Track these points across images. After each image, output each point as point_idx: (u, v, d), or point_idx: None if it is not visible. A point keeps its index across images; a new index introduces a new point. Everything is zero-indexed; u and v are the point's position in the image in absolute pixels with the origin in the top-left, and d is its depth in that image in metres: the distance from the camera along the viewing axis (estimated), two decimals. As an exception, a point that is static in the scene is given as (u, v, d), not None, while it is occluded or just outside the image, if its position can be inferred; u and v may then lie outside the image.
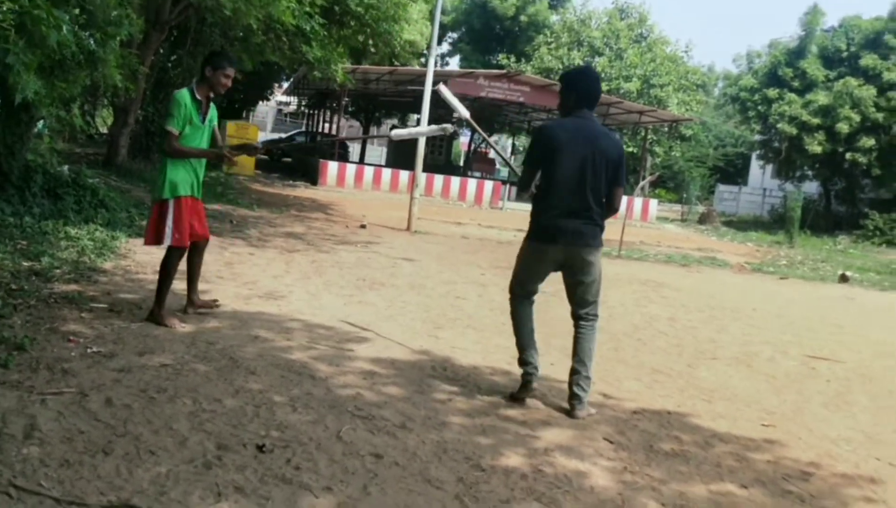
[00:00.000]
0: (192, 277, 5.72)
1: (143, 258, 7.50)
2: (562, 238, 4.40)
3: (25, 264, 6.42)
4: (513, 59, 36.05)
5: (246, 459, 3.29)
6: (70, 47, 6.79)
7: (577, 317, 4.59)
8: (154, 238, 5.33)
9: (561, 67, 33.12)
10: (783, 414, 5.04)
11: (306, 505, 2.96)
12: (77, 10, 8.00)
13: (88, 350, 4.48)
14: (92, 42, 7.88)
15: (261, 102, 40.55)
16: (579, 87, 4.52)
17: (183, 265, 5.56)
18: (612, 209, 4.50)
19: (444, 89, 5.52)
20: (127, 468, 3.06)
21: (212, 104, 5.49)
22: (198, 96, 5.31)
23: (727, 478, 3.77)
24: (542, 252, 4.52)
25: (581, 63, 33.32)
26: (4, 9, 6.21)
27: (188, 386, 4.10)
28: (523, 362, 4.60)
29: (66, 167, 10.19)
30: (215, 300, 6.00)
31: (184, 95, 5.26)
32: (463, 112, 5.55)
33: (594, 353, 4.55)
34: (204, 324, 5.48)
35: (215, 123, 5.60)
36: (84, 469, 3.01)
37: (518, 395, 4.57)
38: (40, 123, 9.78)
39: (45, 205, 8.75)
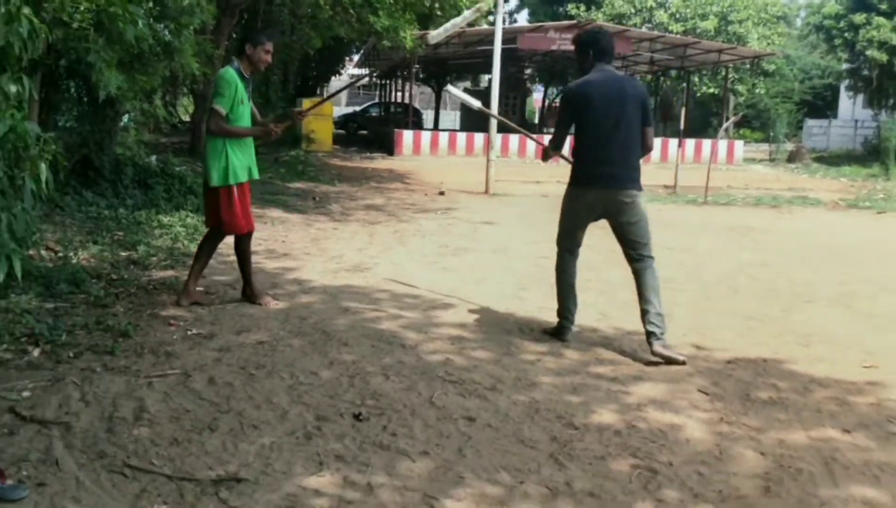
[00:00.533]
0: (245, 266, 5.51)
1: (232, 241, 7.72)
2: (599, 183, 4.67)
3: (123, 253, 6.70)
4: (582, 7, 35.19)
5: (344, 428, 3.39)
6: (147, 40, 7.01)
7: (631, 260, 4.77)
8: (228, 226, 5.31)
9: (633, 10, 32.24)
10: (885, 354, 4.86)
11: (404, 470, 3.04)
12: (151, 4, 8.22)
13: (188, 333, 4.68)
14: (167, 33, 8.11)
15: (333, 77, 40.87)
16: (595, 45, 4.74)
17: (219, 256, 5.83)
18: (646, 149, 4.72)
19: (452, 90, 6.44)
20: (232, 442, 3.20)
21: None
22: (245, 74, 5.27)
23: (828, 423, 3.68)
24: (581, 197, 4.80)
25: (654, 4, 32.33)
26: (82, 9, 6.44)
27: (285, 361, 4.23)
28: (562, 313, 4.97)
29: (153, 158, 10.55)
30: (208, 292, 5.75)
31: (231, 73, 5.18)
32: (474, 103, 5.92)
33: (659, 289, 4.67)
34: (296, 300, 5.64)
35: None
36: (192, 446, 3.16)
37: (554, 334, 4.96)
38: (126, 117, 10.13)
39: (136, 196, 9.10)
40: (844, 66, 34.39)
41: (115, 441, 3.16)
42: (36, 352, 4.17)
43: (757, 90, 34.33)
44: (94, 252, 6.59)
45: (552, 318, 5.42)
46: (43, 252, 6.27)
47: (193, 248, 7.25)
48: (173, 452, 3.10)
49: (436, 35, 5.80)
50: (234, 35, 17.64)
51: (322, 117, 25.34)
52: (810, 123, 40.83)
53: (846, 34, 30.78)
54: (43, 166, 3.88)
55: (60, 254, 6.29)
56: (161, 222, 8.17)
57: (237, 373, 4.02)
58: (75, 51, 6.87)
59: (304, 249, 7.76)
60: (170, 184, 9.71)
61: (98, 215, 8.06)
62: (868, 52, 29.15)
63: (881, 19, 29.00)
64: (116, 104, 8.36)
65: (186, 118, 25.02)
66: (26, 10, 3.67)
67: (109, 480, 2.86)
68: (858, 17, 29.99)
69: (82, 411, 3.44)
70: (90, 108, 8.67)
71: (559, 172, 20.40)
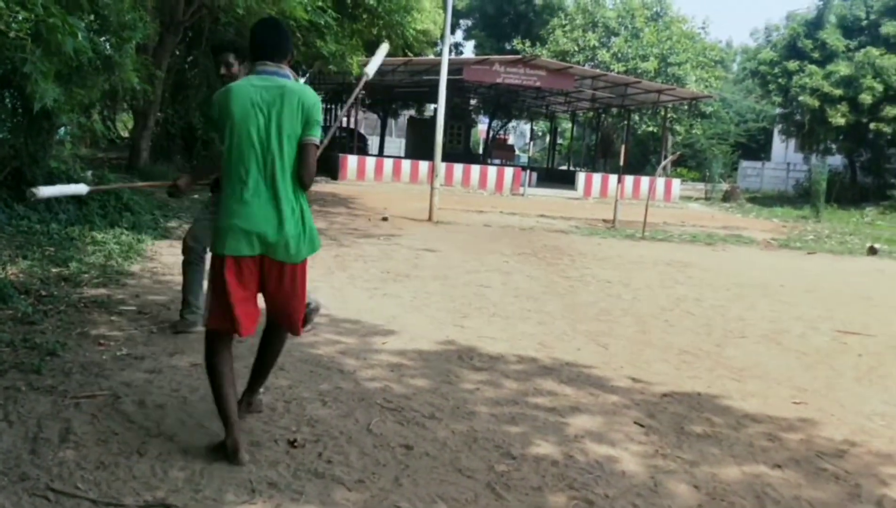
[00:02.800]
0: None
1: (170, 260, 7.56)
2: None
3: (54, 270, 6.50)
4: (528, 43, 35.80)
5: (278, 454, 3.32)
6: (87, 53, 6.85)
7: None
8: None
9: (576, 49, 32.89)
10: (815, 391, 4.99)
11: (340, 499, 2.98)
12: (91, 16, 8.06)
13: (119, 353, 4.54)
14: (108, 47, 7.95)
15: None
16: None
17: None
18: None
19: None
20: (162, 467, 3.10)
21: None
22: None
23: (760, 459, 3.75)
24: None
25: (597, 44, 33.04)
26: (20, 18, 6.28)
27: (218, 385, 4.13)
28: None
29: (89, 173, 10.30)
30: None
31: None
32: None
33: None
34: (231, 323, 5.52)
35: None
36: (120, 470, 3.05)
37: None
38: (62, 130, 9.88)
39: (70, 211, 8.84)
40: (778, 110, 35.63)
41: (39, 464, 3.03)
42: (-44, 369, 3.99)
43: (694, 131, 35.27)
44: (23, 267, 6.37)
45: (492, 347, 5.44)
46: (-32, 266, 6.04)
47: (127, 266, 7.08)
48: (100, 476, 2.98)
49: (371, 68, 4.81)
50: (177, 52, 17.45)
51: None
52: (745, 164, 42.14)
53: (780, 80, 31.95)
54: (-28, 177, 3.75)
55: (-13, 268, 6.06)
56: (95, 239, 7.96)
57: (169, 396, 3.91)
58: (11, 61, 6.69)
59: (243, 271, 7.63)
60: (105, 200, 9.47)
61: (29, 230, 7.81)
62: (801, 98, 30.26)
63: (813, 67, 30.19)
64: (52, 117, 8.14)
65: (125, 134, 24.54)
66: (-39, 17, 3.56)
67: (31, 504, 2.74)
68: (792, 65, 31.18)
69: (5, 431, 3.30)
70: (25, 119, 8.43)
71: (502, 203, 20.62)
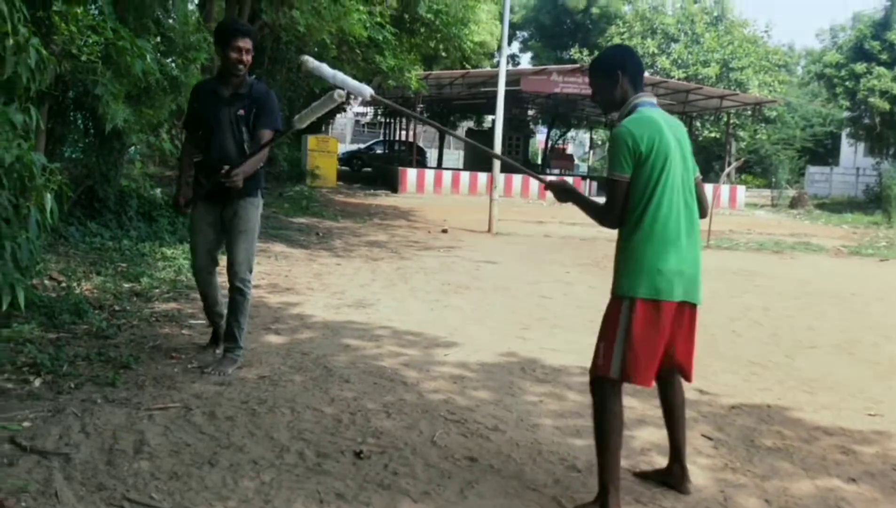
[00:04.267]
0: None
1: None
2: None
3: (126, 285, 6.70)
4: (585, 52, 35.62)
5: (345, 466, 3.36)
6: (154, 74, 7.08)
7: None
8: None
9: (636, 57, 32.52)
10: (890, 403, 4.83)
11: (406, 511, 3.00)
12: (158, 38, 8.32)
13: (190, 366, 4.66)
14: (174, 68, 8.19)
15: (339, 115, 41.22)
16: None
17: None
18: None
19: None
20: (232, 478, 3.17)
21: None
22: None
23: (833, 472, 3.65)
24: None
25: (656, 51, 32.68)
26: (91, 42, 6.52)
27: (286, 397, 4.21)
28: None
29: (158, 190, 10.60)
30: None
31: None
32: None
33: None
34: (297, 335, 5.62)
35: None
36: (192, 480, 3.13)
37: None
38: (132, 150, 10.20)
39: (141, 228, 9.12)
40: (846, 114, 34.66)
41: (115, 474, 3.13)
42: (37, 382, 4.15)
43: (759, 136, 34.54)
44: (97, 283, 6.58)
45: (555, 358, 5.41)
46: (46, 282, 6.27)
47: (196, 281, 7.24)
48: (173, 486, 3.07)
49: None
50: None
51: (327, 154, 25.52)
52: (812, 169, 41.04)
53: (847, 83, 31.08)
54: (48, 197, 3.90)
55: (64, 284, 6.29)
56: (164, 255, 8.18)
57: (238, 408, 4.00)
58: (83, 83, 6.94)
59: (307, 284, 7.76)
60: (174, 217, 9.73)
61: (102, 246, 8.07)
62: (870, 101, 29.41)
63: (882, 69, 29.32)
64: (123, 137, 8.42)
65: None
66: (35, 42, 3.72)
67: (107, 514, 2.83)
68: (859, 67, 30.31)
69: (82, 442, 3.41)
70: (96, 140, 8.72)
71: (562, 213, 20.49)
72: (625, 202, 3.07)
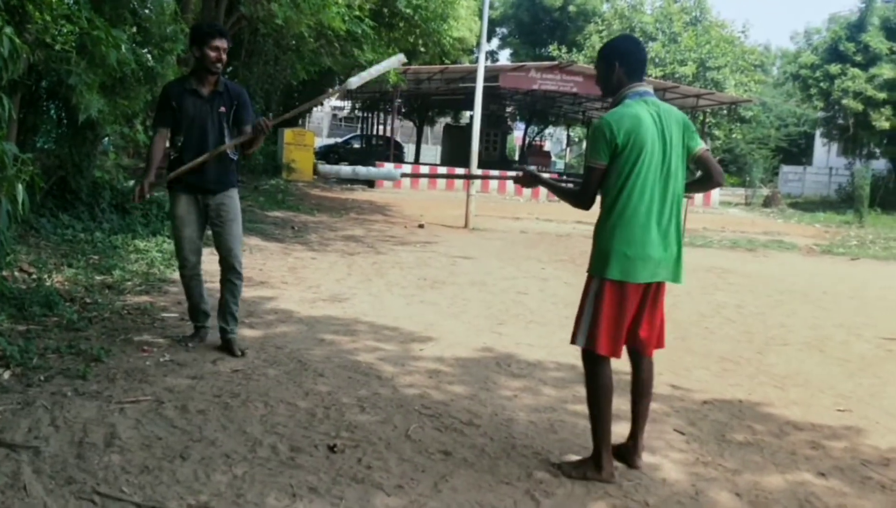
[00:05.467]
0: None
1: (211, 268, 7.67)
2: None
3: (98, 277, 6.62)
4: (564, 49, 35.72)
5: (318, 460, 3.35)
6: (129, 65, 6.99)
7: None
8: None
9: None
10: (859, 399, 4.90)
11: (379, 504, 3.00)
12: (134, 28, 8.23)
13: (162, 359, 4.62)
14: (150, 58, 8.10)
15: (315, 108, 41.03)
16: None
17: None
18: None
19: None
20: (204, 472, 3.15)
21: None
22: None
23: (803, 467, 3.69)
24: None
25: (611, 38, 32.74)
26: (65, 31, 6.43)
27: (259, 390, 4.18)
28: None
29: (132, 182, 10.48)
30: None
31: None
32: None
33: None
34: (271, 329, 5.59)
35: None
36: (163, 474, 3.10)
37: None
38: (105, 141, 10.08)
39: (113, 220, 9.01)
40: (820, 114, 35.05)
41: (85, 468, 3.10)
42: (6, 375, 4.09)
43: (734, 135, 34.86)
44: (68, 275, 6.51)
45: (530, 354, 5.43)
46: (17, 274, 6.19)
47: (169, 274, 7.18)
48: (144, 480, 3.04)
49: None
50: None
51: (303, 148, 25.40)
52: (785, 169, 41.49)
53: (822, 84, 31.41)
54: (20, 187, 3.85)
55: (34, 276, 6.21)
56: (137, 247, 8.10)
57: (211, 401, 3.97)
58: (56, 73, 6.84)
59: (282, 278, 7.72)
60: (147, 209, 9.64)
61: (74, 238, 7.98)
62: (843, 102, 29.74)
63: (856, 70, 29.66)
64: (96, 127, 8.31)
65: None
66: (8, 31, 3.66)
67: (78, 507, 2.80)
68: (834, 68, 30.65)
69: (52, 435, 3.37)
70: (69, 130, 8.61)
71: (538, 209, 20.56)
72: (598, 187, 3.34)
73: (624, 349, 3.43)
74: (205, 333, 5.09)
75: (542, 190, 25.71)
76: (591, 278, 3.37)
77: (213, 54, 4.66)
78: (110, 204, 9.27)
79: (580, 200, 3.42)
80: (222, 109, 4.79)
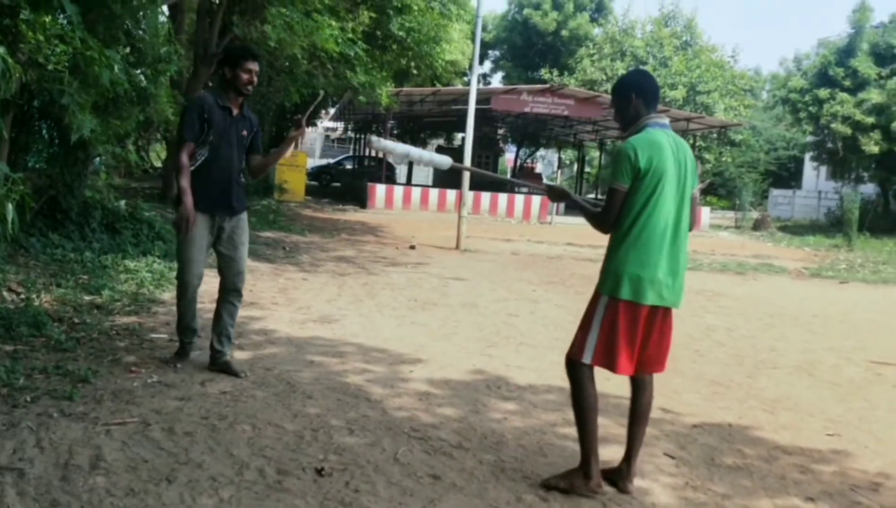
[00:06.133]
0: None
1: (202, 289, 7.65)
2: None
3: (87, 297, 6.59)
4: (555, 72, 35.99)
5: (306, 483, 3.32)
6: (122, 85, 7.00)
7: None
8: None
9: (604, 78, 32.96)
10: (849, 423, 4.91)
11: (367, 529, 2.97)
12: (127, 49, 8.25)
13: (150, 380, 4.59)
14: (143, 79, 8.11)
15: (309, 129, 41.11)
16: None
17: None
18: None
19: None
20: (190, 495, 3.12)
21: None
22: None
23: (793, 491, 3.68)
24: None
25: (624, 72, 33.05)
26: (58, 51, 6.44)
27: (247, 412, 4.16)
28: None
29: (123, 202, 10.46)
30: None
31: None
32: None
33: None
34: (260, 350, 5.56)
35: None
36: (149, 497, 3.07)
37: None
38: (97, 161, 10.07)
39: (104, 240, 8.98)
40: (809, 138, 35.36)
41: (70, 490, 3.07)
42: (-9, 395, 4.06)
43: (724, 159, 35.08)
44: (57, 295, 6.47)
45: (521, 376, 5.41)
46: (5, 293, 6.16)
47: (159, 294, 7.16)
48: (129, 503, 3.01)
49: (400, 150, 4.50)
50: (210, 84, 17.78)
51: (295, 168, 25.44)
52: (775, 192, 41.77)
53: (811, 108, 31.72)
54: (9, 207, 3.84)
55: (23, 296, 6.17)
56: (127, 268, 8.07)
57: (198, 423, 3.94)
58: (49, 92, 6.84)
59: (272, 298, 7.70)
60: (138, 229, 9.62)
61: (63, 258, 7.94)
62: (832, 126, 30.01)
63: (845, 95, 29.96)
64: (88, 147, 8.31)
65: (158, 164, 24.92)
66: (1, 50, 3.67)
67: (60, 531, 2.76)
68: (823, 92, 30.96)
69: (37, 457, 3.34)
70: (61, 150, 8.60)
71: (529, 231, 20.60)
72: (620, 210, 3.39)
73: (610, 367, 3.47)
74: (191, 348, 5.08)
75: (534, 210, 25.86)
76: (600, 297, 3.42)
77: (245, 77, 4.68)
78: (101, 224, 9.24)
79: (602, 221, 3.46)
80: (245, 132, 4.83)
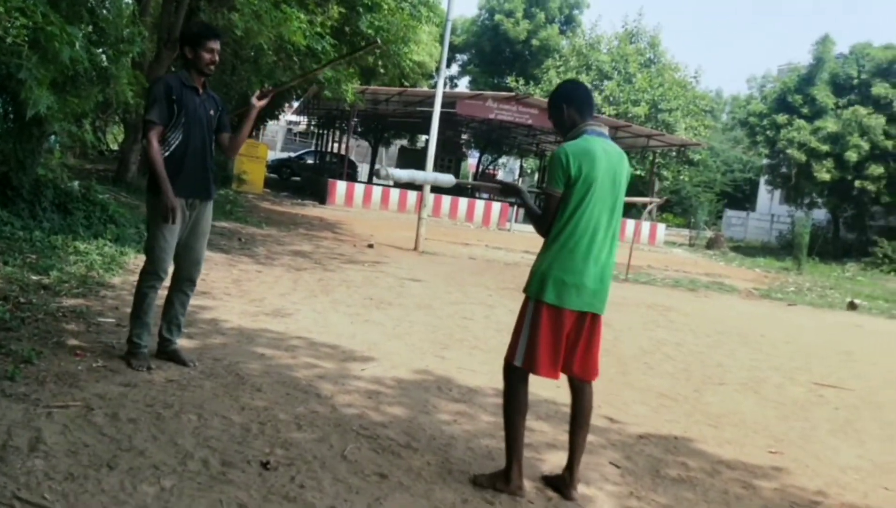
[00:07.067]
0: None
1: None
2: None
3: (34, 277, 6.44)
4: (521, 81, 36.18)
5: (250, 476, 3.28)
6: (83, 63, 6.86)
7: None
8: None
9: (570, 90, 33.13)
10: (791, 441, 5.00)
11: (310, 524, 2.94)
12: (90, 27, 8.09)
13: (95, 365, 4.49)
14: (104, 59, 7.96)
15: (270, 121, 40.73)
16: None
17: None
18: None
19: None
20: (131, 482, 3.06)
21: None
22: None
23: (734, 506, 3.74)
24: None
25: (589, 86, 33.36)
26: (18, 24, 6.28)
27: (194, 402, 4.09)
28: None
29: (76, 183, 10.25)
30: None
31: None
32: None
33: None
34: (210, 340, 5.48)
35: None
36: (88, 482, 3.00)
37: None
38: (52, 139, 9.85)
39: (54, 219, 8.79)
40: (765, 161, 36.10)
41: (6, 472, 2.98)
42: (-73, 372, 3.93)
43: (681, 177, 35.61)
44: (3, 273, 6.30)
45: (472, 379, 5.42)
46: (-53, 268, 5.98)
47: (108, 278, 7.02)
48: (67, 487, 2.93)
49: (404, 175, 4.51)
50: (173, 68, 17.52)
51: (255, 159, 25.19)
52: (730, 213, 42.57)
53: (768, 132, 32.42)
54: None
55: (-34, 272, 6.00)
56: (77, 249, 7.90)
57: (143, 410, 3.86)
58: (6, 66, 6.68)
59: (225, 289, 7.59)
60: (90, 211, 9.43)
61: (11, 236, 7.74)
62: (788, 151, 30.69)
63: (802, 122, 30.67)
64: (44, 124, 8.13)
65: (115, 147, 24.47)
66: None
67: (-7, 513, 2.69)
68: (781, 118, 31.67)
69: (-28, 437, 3.24)
70: (16, 125, 8.40)
71: (488, 237, 20.66)
72: (556, 214, 3.44)
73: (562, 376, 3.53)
74: (146, 350, 4.76)
75: (493, 216, 25.97)
76: (528, 300, 3.49)
77: (207, 56, 4.55)
78: (52, 203, 9.04)
79: (540, 225, 3.52)
80: (211, 112, 4.71)
